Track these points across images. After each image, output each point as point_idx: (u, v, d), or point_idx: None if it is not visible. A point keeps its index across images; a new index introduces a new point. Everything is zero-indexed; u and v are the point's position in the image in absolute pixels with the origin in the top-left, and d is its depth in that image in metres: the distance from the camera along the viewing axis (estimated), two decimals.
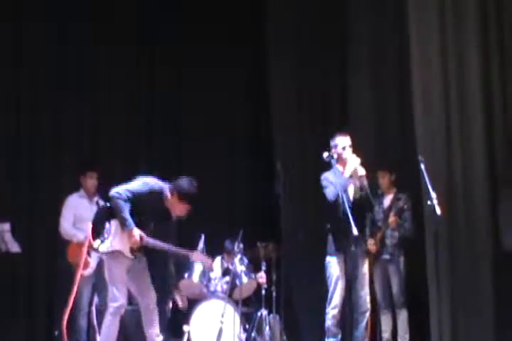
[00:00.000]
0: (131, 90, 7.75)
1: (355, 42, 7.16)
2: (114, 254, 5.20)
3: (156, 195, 5.21)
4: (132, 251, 5.23)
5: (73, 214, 6.58)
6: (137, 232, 5.16)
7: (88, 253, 6.38)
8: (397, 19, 6.68)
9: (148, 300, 5.34)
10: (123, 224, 5.13)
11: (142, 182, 5.23)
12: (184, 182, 5.26)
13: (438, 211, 5.25)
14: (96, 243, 5.20)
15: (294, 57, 7.43)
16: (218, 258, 6.73)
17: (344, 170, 5.62)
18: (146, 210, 5.23)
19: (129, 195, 5.12)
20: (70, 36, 7.47)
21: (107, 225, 5.22)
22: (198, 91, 7.89)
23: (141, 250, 5.28)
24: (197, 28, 7.85)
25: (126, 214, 5.11)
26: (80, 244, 6.37)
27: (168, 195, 5.24)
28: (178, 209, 5.28)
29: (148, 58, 7.91)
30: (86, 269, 6.33)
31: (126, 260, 5.24)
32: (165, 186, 5.28)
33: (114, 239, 5.19)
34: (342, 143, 5.65)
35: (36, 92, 7.36)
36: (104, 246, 5.20)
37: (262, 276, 6.48)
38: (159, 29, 7.82)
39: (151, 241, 5.25)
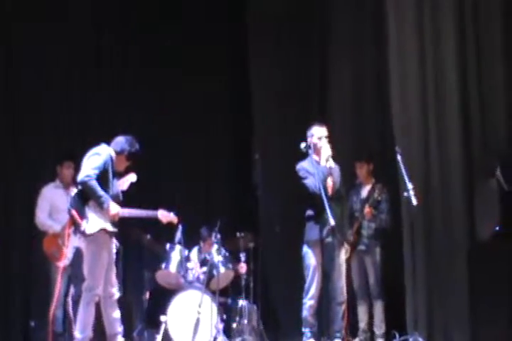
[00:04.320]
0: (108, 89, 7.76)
1: (335, 37, 7.18)
2: (100, 235, 5.22)
3: (109, 161, 5.32)
4: (113, 224, 5.30)
5: (49, 204, 6.53)
6: (114, 205, 5.24)
7: (64, 244, 6.37)
8: (375, 17, 6.71)
9: (111, 286, 5.35)
10: (100, 202, 5.19)
11: (97, 155, 5.29)
12: (128, 141, 5.39)
13: (414, 202, 5.29)
14: (83, 225, 5.20)
15: (274, 50, 7.44)
16: (195, 249, 6.72)
17: (319, 159, 5.63)
18: (109, 178, 5.31)
19: (97, 172, 5.20)
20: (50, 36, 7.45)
21: (86, 208, 5.25)
22: (178, 90, 7.87)
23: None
24: (177, 28, 7.86)
25: (101, 192, 5.18)
26: (56, 235, 6.37)
27: (114, 155, 5.37)
28: (121, 166, 5.42)
29: (123, 58, 7.86)
30: (62, 260, 6.30)
31: (109, 241, 5.29)
32: (110, 149, 5.38)
33: (95, 220, 5.22)
34: (318, 133, 5.66)
35: (15, 90, 7.35)
36: (90, 227, 5.21)
37: (242, 266, 6.49)
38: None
39: (124, 211, 5.33)
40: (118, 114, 7.71)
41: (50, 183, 6.64)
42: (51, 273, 6.38)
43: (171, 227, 6.20)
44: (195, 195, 7.57)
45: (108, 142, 5.45)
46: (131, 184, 5.58)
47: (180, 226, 6.33)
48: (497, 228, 5.73)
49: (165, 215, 5.50)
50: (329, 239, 5.45)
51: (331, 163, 5.58)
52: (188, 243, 6.57)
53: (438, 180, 5.89)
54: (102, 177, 5.25)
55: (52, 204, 6.52)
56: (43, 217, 6.51)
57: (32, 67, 7.38)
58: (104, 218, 5.26)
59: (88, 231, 5.21)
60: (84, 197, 5.26)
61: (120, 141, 5.44)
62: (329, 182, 5.58)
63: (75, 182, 6.59)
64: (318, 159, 5.65)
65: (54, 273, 6.33)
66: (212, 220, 6.42)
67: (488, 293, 5.58)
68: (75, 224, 5.23)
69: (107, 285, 5.31)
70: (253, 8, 7.62)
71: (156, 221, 5.53)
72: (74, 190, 6.04)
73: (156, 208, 5.59)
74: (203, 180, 7.80)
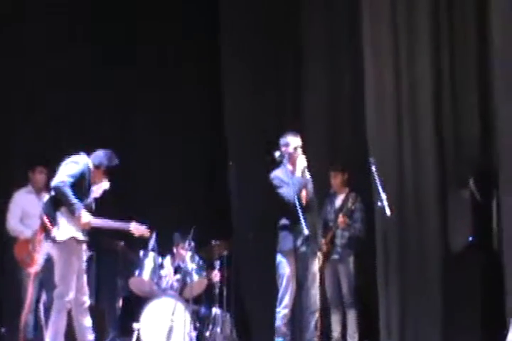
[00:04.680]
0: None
1: (310, 44, 7.16)
2: (69, 242, 5.20)
3: (86, 171, 5.30)
4: (84, 232, 5.28)
5: (20, 210, 6.49)
6: (86, 214, 5.21)
7: (35, 250, 6.31)
8: (350, 25, 6.72)
9: (82, 294, 5.33)
10: (73, 209, 5.16)
11: (75, 163, 5.28)
12: (108, 156, 5.36)
13: (388, 212, 5.30)
14: (54, 231, 5.17)
15: (248, 58, 7.41)
16: (169, 256, 6.68)
17: (294, 169, 5.61)
18: (84, 188, 5.29)
19: (72, 179, 5.18)
20: None
21: (58, 214, 5.21)
22: (153, 92, 7.83)
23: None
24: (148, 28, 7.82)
25: (74, 199, 5.16)
26: (27, 241, 6.32)
27: (92, 168, 5.35)
28: (99, 180, 5.40)
29: (103, 57, 7.76)
30: (33, 266, 6.24)
31: (79, 248, 5.27)
32: (89, 160, 5.36)
33: (66, 227, 5.19)
34: (293, 142, 5.64)
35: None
36: (60, 234, 5.17)
37: (216, 275, 6.47)
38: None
39: (96, 221, 5.30)
40: (87, 116, 7.66)
41: (22, 188, 6.59)
42: (22, 279, 6.34)
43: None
44: (169, 202, 7.51)
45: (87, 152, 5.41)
46: (105, 191, 5.53)
47: (154, 234, 6.29)
48: (470, 238, 5.79)
49: (137, 228, 5.46)
50: (303, 249, 5.44)
51: (307, 175, 5.57)
52: (162, 250, 6.54)
53: (412, 190, 5.93)
54: (77, 186, 5.22)
55: (24, 209, 6.47)
56: (13, 223, 6.46)
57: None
58: (76, 226, 5.23)
59: (58, 238, 5.18)
60: (57, 203, 5.23)
61: (99, 154, 5.40)
62: (303, 192, 5.56)
63: (47, 188, 6.56)
64: (293, 169, 5.63)
65: (25, 279, 6.29)
66: (186, 226, 6.39)
67: (462, 302, 5.63)
68: (45, 230, 5.21)
69: (78, 293, 5.29)
70: (227, 16, 7.57)
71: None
72: (46, 196, 6.03)
73: (129, 215, 5.56)
74: (178, 186, 7.75)
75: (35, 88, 7.47)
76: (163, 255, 6.55)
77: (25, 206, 6.48)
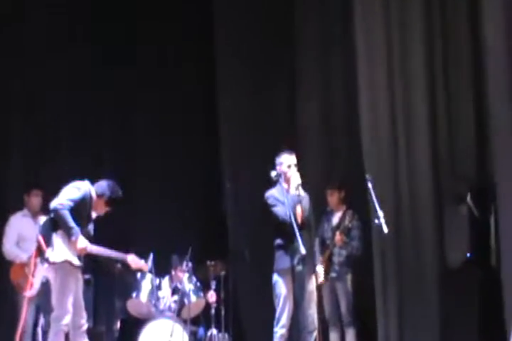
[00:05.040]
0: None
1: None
2: (64, 265, 5.18)
3: (88, 198, 5.28)
4: (79, 258, 5.25)
5: (17, 234, 6.50)
6: (83, 239, 5.18)
7: (31, 274, 6.28)
8: (344, 36, 6.72)
9: (80, 317, 5.29)
10: (70, 234, 5.14)
11: (76, 189, 5.26)
12: (110, 187, 5.34)
13: (385, 229, 5.27)
14: (48, 252, 5.15)
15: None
16: (167, 278, 6.66)
17: (289, 188, 5.60)
18: (83, 215, 5.27)
19: (71, 204, 5.15)
20: None
21: (54, 236, 5.19)
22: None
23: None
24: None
25: (72, 223, 5.13)
26: (23, 265, 6.31)
27: (95, 196, 5.32)
28: (100, 210, 5.38)
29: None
30: (29, 290, 6.21)
31: (75, 271, 5.24)
32: (92, 188, 5.34)
33: (61, 250, 5.17)
34: (287, 161, 5.63)
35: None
36: (55, 256, 5.16)
37: (212, 295, 6.43)
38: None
39: (93, 248, 5.27)
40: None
41: (18, 212, 6.60)
42: (19, 302, 6.29)
43: (141, 256, 6.15)
44: (165, 223, 7.49)
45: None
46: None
47: (151, 255, 6.26)
48: (468, 255, 5.75)
49: (135, 261, 5.43)
50: (299, 268, 5.41)
51: (301, 192, 5.55)
52: (159, 271, 6.51)
53: (408, 207, 5.90)
54: (76, 212, 5.19)
55: (20, 233, 6.49)
56: (9, 246, 6.47)
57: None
58: (71, 250, 5.19)
59: (52, 259, 5.15)
60: (54, 225, 5.21)
61: (102, 184, 5.38)
62: (298, 210, 5.55)
63: (43, 211, 6.56)
64: (288, 187, 5.62)
65: (21, 303, 6.24)
66: (184, 248, 6.36)
67: (460, 319, 5.59)
68: (40, 251, 5.19)
69: (75, 316, 5.25)
70: (222, 22, 7.57)
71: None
72: (42, 219, 6.01)
73: (125, 237, 5.54)
74: (174, 207, 7.71)
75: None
76: (160, 276, 6.53)
77: (21, 229, 6.49)
